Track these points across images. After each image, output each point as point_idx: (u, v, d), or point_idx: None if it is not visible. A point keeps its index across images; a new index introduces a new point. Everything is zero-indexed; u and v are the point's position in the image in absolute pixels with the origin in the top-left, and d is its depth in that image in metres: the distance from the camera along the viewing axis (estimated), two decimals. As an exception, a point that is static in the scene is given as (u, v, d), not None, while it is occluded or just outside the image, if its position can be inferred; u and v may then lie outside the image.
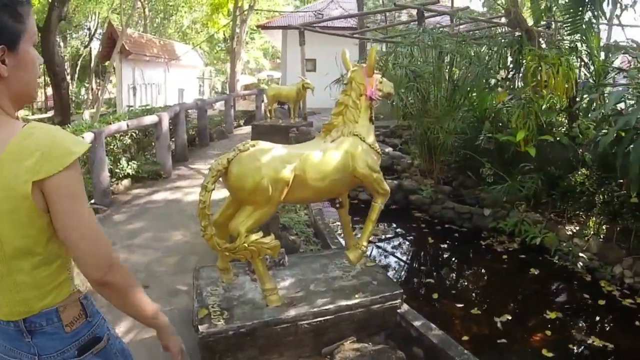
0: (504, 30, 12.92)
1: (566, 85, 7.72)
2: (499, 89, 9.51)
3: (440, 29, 11.51)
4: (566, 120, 8.99)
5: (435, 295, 5.92)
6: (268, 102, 13.53)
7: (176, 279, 5.54)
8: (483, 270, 7.22)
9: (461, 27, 13.76)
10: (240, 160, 3.65)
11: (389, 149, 11.50)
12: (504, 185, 7.75)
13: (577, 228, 7.39)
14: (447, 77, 9.48)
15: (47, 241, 1.54)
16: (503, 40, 9.37)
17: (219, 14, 29.62)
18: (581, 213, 7.71)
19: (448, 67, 9.54)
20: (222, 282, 4.29)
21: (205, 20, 36.22)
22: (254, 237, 3.66)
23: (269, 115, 13.59)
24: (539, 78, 7.84)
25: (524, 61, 8.45)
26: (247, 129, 17.03)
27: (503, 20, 12.85)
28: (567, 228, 7.39)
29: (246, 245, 3.62)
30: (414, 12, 23.61)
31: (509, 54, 9.16)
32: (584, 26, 7.88)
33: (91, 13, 35.27)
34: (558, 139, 7.87)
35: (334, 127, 4.30)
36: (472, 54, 9.15)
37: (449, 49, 8.97)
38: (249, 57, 42.56)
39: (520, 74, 9.28)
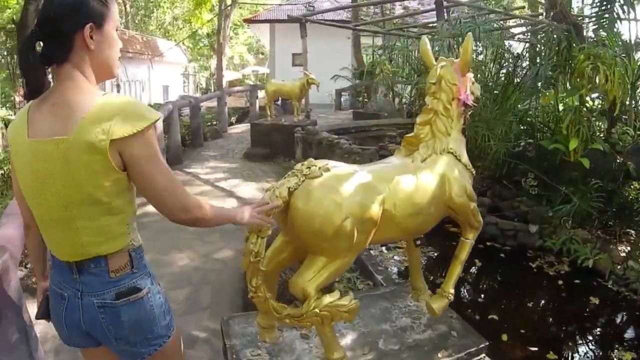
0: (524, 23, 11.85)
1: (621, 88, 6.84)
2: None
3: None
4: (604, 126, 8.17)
5: (504, 337, 4.94)
6: (267, 99, 12.30)
7: (190, 321, 4.44)
8: (543, 301, 6.32)
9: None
10: (310, 192, 2.61)
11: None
12: (571, 205, 6.77)
13: (629, 248, 6.58)
14: (492, 76, 8.47)
15: (115, 195, 1.71)
16: (549, 36, 8.20)
17: (202, 9, 28.41)
18: (632, 231, 6.95)
19: (493, 64, 8.47)
20: (264, 342, 3.17)
21: (188, 16, 35.21)
22: (328, 299, 2.60)
23: (268, 113, 12.36)
24: (596, 80, 6.90)
25: (573, 60, 7.45)
26: (242, 127, 15.80)
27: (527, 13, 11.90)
28: (619, 248, 6.54)
29: (317, 310, 2.56)
30: (411, 4, 23.00)
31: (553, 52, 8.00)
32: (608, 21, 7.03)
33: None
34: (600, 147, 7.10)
35: (421, 141, 3.27)
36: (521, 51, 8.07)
37: (498, 44, 7.86)
38: (233, 52, 41.17)
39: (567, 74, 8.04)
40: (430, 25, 19.47)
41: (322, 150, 11.07)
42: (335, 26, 16.11)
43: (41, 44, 1.66)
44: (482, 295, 6.60)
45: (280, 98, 14.60)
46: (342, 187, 2.64)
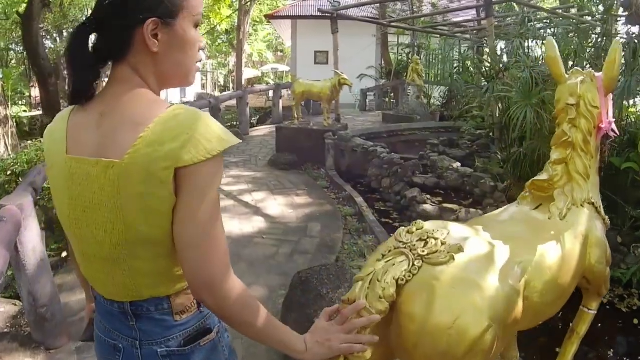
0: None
1: None
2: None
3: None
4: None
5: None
6: (295, 101, 11.12)
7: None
8: (623, 350, 5.08)
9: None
10: (436, 291, 1.67)
11: (457, 164, 9.12)
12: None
13: None
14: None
15: None
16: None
17: (221, 5, 27.37)
18: None
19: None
20: None
21: (207, 11, 34.25)
22: None
23: (295, 115, 11.19)
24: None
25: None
26: (265, 129, 14.62)
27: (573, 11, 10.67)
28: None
29: None
30: (440, 1, 21.78)
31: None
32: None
33: (87, 7, 32.77)
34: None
35: (555, 186, 2.48)
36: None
37: (576, 49, 6.78)
38: (252, 49, 40.11)
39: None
40: (463, 24, 18.32)
41: (356, 159, 9.91)
42: (367, 22, 14.93)
43: (94, 37, 1.35)
44: (544, 342, 5.48)
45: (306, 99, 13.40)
46: (483, 278, 1.75)
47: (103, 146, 1.28)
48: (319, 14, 22.53)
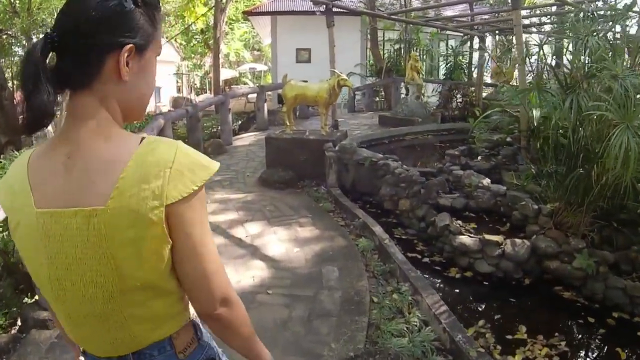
0: None
1: None
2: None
3: None
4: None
5: None
6: (287, 106, 9.42)
7: None
8: None
9: None
10: None
11: (486, 181, 7.52)
12: None
13: None
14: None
15: (170, 273, 1.27)
16: None
17: (195, 2, 25.60)
18: None
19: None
20: None
21: (181, 10, 32.34)
22: None
23: (287, 123, 9.49)
24: None
25: None
26: (249, 137, 12.85)
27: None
28: None
29: None
30: None
31: None
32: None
33: (56, 10, 30.64)
34: None
35: None
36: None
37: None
38: (229, 49, 38.11)
39: None
40: (458, 19, 16.85)
41: (364, 175, 8.33)
42: (368, 14, 13.23)
43: (56, 56, 1.20)
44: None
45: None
46: None
47: (78, 193, 1.18)
48: (311, 8, 21.02)
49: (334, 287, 5.04)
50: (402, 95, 18.00)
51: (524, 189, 7.35)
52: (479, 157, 9.69)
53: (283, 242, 6.16)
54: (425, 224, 6.99)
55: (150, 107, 27.24)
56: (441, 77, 20.17)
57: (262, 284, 5.09)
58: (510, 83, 17.48)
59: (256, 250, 5.92)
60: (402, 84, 17.72)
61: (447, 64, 20.53)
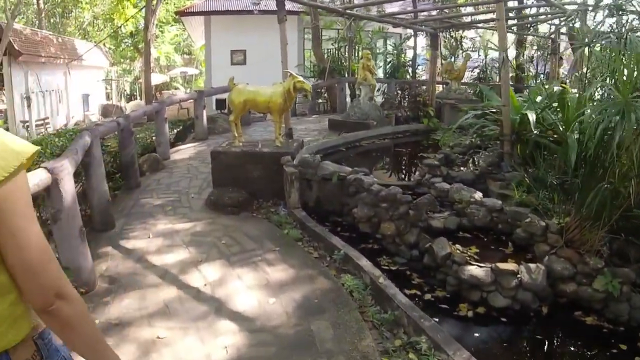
0: None
1: None
2: None
3: None
4: None
5: None
6: (234, 114, 7.95)
7: None
8: None
9: None
10: None
11: (478, 195, 6.31)
12: None
13: None
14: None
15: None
16: None
17: (124, 4, 23.65)
18: None
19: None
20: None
21: (110, 12, 30.14)
22: None
23: (235, 134, 8.03)
24: None
25: None
26: (188, 149, 11.21)
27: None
28: None
29: None
30: None
31: None
32: None
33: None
34: None
35: None
36: None
37: None
38: (159, 53, 36.00)
39: None
40: (400, 15, 15.72)
41: (331, 192, 7.03)
42: (324, 9, 11.90)
43: None
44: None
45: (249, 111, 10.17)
46: None
47: None
48: (246, 7, 19.43)
49: (334, 352, 3.72)
50: (347, 97, 16.78)
51: (521, 203, 6.20)
52: (459, 166, 8.53)
53: (253, 290, 4.72)
54: (418, 251, 5.71)
55: (79, 117, 25.04)
56: (382, 76, 19.06)
57: (240, 356, 3.65)
58: (461, 80, 16.54)
59: (221, 305, 4.44)
60: (346, 84, 16.49)
61: (389, 63, 19.42)
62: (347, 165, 9.20)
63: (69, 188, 4.44)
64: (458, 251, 5.38)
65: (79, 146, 5.31)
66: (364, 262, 5.15)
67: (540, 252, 5.39)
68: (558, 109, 7.65)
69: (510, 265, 4.95)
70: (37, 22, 31.38)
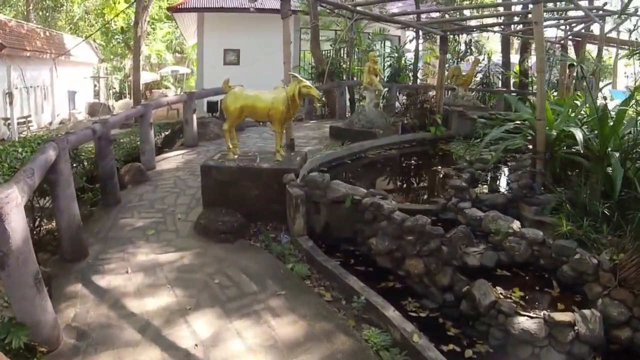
0: None
1: None
2: None
3: None
4: None
5: None
6: (229, 122, 6.88)
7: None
8: None
9: None
10: None
11: (516, 225, 5.34)
12: None
13: None
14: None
15: None
16: None
17: (117, -1, 22.58)
18: None
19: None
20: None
21: (101, 6, 28.92)
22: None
23: (229, 145, 6.98)
24: None
25: None
26: (175, 157, 10.05)
27: None
28: None
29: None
30: None
31: None
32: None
33: None
34: None
35: None
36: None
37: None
38: (150, 50, 34.75)
39: None
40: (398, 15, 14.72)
41: (343, 216, 5.99)
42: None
43: None
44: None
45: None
46: None
47: None
48: (242, 5, 18.31)
49: None
50: (347, 101, 15.76)
51: (565, 234, 5.22)
52: (482, 183, 7.55)
53: (257, 355, 3.67)
54: (453, 295, 4.68)
55: (64, 115, 23.82)
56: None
57: None
58: (469, 86, 15.53)
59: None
60: (346, 88, 15.45)
61: (388, 65, 18.39)
62: (354, 180, 8.25)
63: (17, 225, 3.35)
64: (502, 296, 4.39)
65: (36, 165, 4.21)
66: (392, 313, 4.15)
67: (593, 294, 4.51)
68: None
69: (565, 316, 4.04)
70: (25, 14, 30.16)
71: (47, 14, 33.85)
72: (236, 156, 6.97)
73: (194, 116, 11.07)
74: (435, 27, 13.01)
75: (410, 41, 19.30)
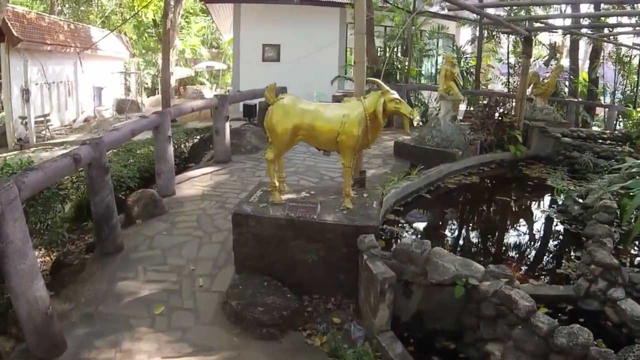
0: None
1: None
2: None
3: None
4: None
5: None
6: (275, 148, 4.64)
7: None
8: None
9: None
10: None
11: None
12: None
13: None
14: None
15: None
16: None
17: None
18: None
19: None
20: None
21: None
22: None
23: (274, 182, 4.79)
24: None
25: None
26: (201, 179, 7.74)
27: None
28: None
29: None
30: None
31: None
32: None
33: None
34: None
35: None
36: None
37: None
38: (184, 45, 32.72)
39: None
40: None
41: (445, 306, 3.84)
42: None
43: None
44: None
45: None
46: None
47: None
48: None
49: None
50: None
51: None
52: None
53: None
54: None
55: (89, 112, 21.94)
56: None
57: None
58: (548, 96, 13.07)
59: None
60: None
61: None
62: (433, 222, 5.97)
63: None
64: None
65: None
66: None
67: None
68: None
69: None
70: (57, 7, 28.45)
71: (76, 7, 32.09)
72: (284, 197, 4.75)
73: (227, 125, 8.85)
74: (519, 25, 10.58)
75: (471, 42, 16.89)
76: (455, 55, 14.55)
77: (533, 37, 12.42)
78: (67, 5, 31.70)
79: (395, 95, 4.37)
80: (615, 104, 17.52)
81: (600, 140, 11.50)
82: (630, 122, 12.92)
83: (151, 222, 5.88)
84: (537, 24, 11.89)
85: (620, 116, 16.30)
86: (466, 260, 3.97)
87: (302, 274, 4.39)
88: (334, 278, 4.38)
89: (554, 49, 17.73)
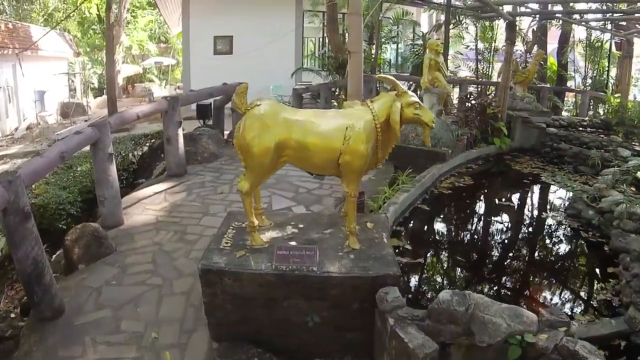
0: None
1: None
2: None
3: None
4: None
5: None
6: (250, 174, 3.42)
7: None
8: None
9: None
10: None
11: None
12: None
13: None
14: None
15: None
16: None
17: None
18: None
19: None
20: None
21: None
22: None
23: (252, 220, 3.57)
24: None
25: None
26: (154, 200, 6.39)
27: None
28: None
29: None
30: None
31: None
32: None
33: None
34: None
35: None
36: None
37: None
38: (132, 40, 30.85)
39: None
40: None
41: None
42: None
43: None
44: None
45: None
46: None
47: None
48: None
49: None
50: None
51: None
52: None
53: None
54: None
55: (31, 119, 20.08)
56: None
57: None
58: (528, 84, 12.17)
59: None
60: (375, 84, 11.97)
61: (415, 55, 14.89)
62: (439, 239, 4.92)
63: None
64: None
65: None
66: None
67: None
68: None
69: None
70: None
71: (19, 5, 29.81)
72: (266, 237, 3.57)
73: (180, 132, 7.56)
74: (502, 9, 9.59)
75: (439, 27, 15.89)
76: (422, 42, 13.56)
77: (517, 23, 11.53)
78: (6, 4, 29.39)
79: (415, 98, 3.27)
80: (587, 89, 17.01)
81: (580, 128, 10.88)
82: (609, 108, 12.27)
83: (96, 267, 4.62)
84: (522, 9, 11.01)
85: (592, 101, 15.80)
86: (515, 309, 2.91)
87: (300, 338, 3.28)
88: (343, 339, 3.27)
89: (537, 34, 16.99)
